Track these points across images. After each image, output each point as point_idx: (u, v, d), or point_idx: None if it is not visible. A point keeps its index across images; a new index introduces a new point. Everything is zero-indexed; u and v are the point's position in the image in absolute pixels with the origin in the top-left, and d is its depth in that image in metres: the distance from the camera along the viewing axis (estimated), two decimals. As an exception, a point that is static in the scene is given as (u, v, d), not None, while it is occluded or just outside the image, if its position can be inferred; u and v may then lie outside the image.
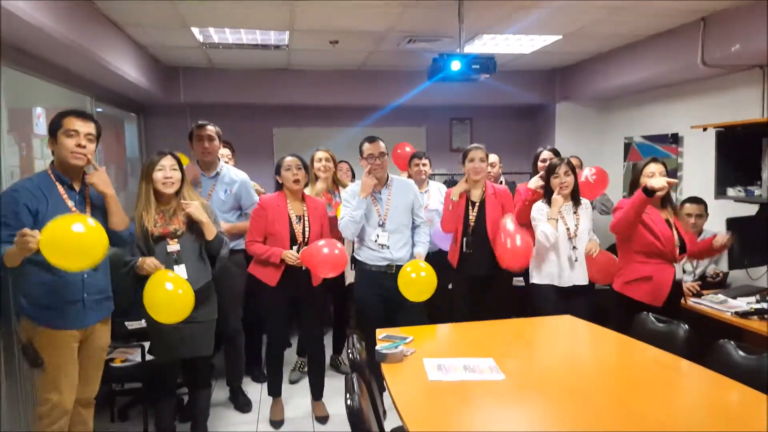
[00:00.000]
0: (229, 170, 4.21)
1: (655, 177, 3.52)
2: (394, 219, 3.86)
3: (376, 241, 3.82)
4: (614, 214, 3.68)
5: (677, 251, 3.57)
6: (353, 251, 4.03)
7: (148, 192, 3.20)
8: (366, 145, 3.84)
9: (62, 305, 2.77)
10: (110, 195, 2.86)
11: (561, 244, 3.88)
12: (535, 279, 3.99)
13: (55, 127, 2.79)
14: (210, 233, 3.29)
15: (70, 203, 2.81)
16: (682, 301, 3.87)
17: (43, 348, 2.76)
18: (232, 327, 4.16)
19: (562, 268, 3.88)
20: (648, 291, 3.54)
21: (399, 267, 3.77)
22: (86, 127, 2.81)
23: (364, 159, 3.84)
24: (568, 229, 3.89)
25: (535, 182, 4.16)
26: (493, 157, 4.94)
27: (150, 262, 3.07)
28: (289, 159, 3.76)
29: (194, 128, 4.10)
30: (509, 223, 3.99)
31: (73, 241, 2.41)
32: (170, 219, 3.23)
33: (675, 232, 3.58)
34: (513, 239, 3.89)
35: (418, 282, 3.55)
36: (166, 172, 3.19)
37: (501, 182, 4.95)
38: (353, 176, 5.05)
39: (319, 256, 3.52)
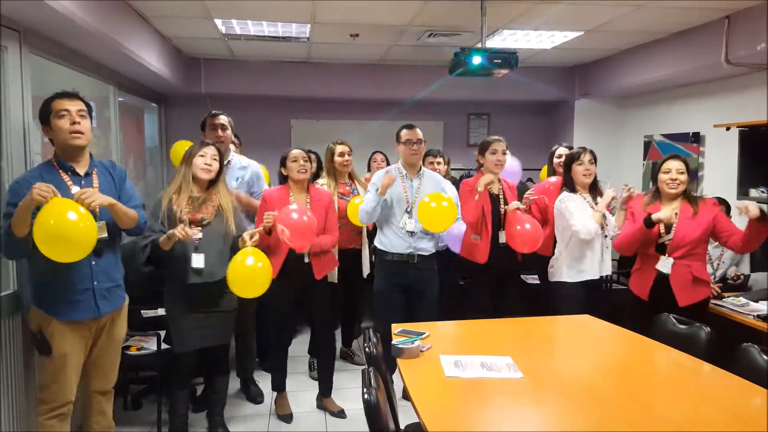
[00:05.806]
0: (240, 159, 4.25)
1: (663, 206, 3.51)
2: None
3: (403, 228, 3.84)
4: (625, 225, 3.67)
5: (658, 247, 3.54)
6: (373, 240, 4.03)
7: (186, 175, 3.29)
8: (404, 131, 3.92)
9: (72, 295, 2.75)
10: (111, 203, 2.76)
11: (595, 238, 3.83)
12: (566, 277, 3.87)
13: (46, 114, 2.73)
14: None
15: (75, 190, 2.72)
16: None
17: (51, 336, 2.75)
18: (245, 319, 4.16)
19: (594, 262, 3.84)
20: (634, 282, 3.65)
21: (421, 257, 3.83)
22: (76, 105, 2.74)
23: (402, 144, 3.91)
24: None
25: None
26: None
27: (180, 230, 3.04)
28: (295, 152, 3.78)
29: (207, 117, 4.16)
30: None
31: (64, 230, 2.43)
32: (199, 207, 3.28)
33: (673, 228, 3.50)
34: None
35: (437, 211, 3.58)
36: (207, 159, 3.31)
37: None
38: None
39: (288, 221, 3.41)
